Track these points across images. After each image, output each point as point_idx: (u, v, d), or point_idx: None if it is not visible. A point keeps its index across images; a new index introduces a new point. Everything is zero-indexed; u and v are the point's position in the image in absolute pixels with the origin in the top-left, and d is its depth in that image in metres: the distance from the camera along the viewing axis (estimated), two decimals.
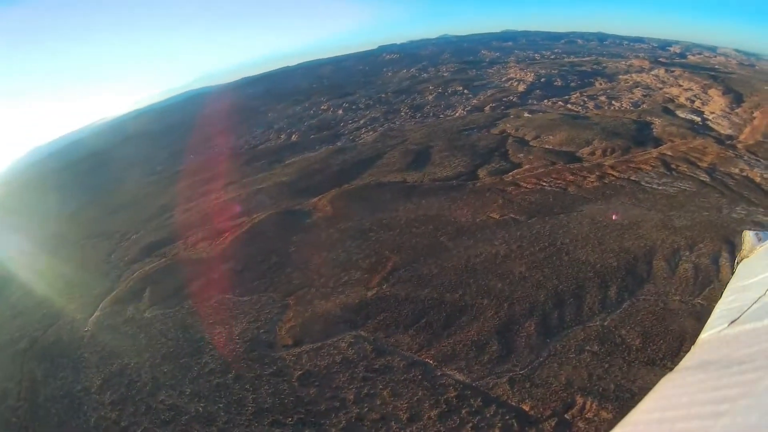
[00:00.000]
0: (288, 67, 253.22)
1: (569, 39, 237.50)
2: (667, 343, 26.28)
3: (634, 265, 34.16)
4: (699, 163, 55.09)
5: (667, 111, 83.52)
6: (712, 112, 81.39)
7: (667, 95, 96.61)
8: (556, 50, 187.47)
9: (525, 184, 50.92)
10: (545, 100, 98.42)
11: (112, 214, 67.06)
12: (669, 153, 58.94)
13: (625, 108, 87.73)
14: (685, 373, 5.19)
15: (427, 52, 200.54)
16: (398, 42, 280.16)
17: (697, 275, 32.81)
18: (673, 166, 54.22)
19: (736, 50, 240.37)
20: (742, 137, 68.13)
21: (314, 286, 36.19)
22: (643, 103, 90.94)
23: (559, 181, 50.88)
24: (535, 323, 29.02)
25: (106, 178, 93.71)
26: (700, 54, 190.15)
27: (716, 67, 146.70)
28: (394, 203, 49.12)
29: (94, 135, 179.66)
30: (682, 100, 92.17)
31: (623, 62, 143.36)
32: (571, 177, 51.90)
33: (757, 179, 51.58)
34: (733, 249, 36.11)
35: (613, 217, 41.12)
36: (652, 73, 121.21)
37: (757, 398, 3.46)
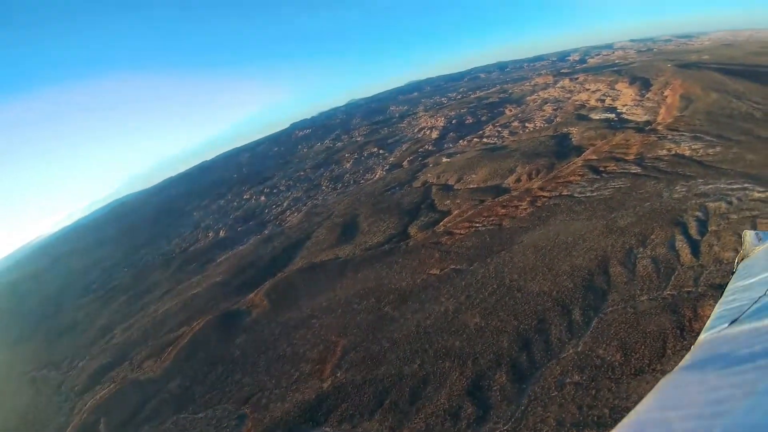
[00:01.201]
0: (205, 161, 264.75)
1: (471, 75, 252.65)
2: (649, 348, 26.23)
3: (590, 279, 34.53)
4: (626, 158, 58.57)
5: (582, 117, 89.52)
6: (625, 105, 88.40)
7: (577, 102, 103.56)
8: (461, 89, 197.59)
9: (458, 231, 51.97)
10: (460, 141, 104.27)
11: (56, 341, 67.23)
12: (593, 157, 62.43)
13: (540, 127, 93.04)
14: (685, 373, 5.46)
15: (338, 121, 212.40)
16: (309, 116, 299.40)
17: (658, 268, 33.60)
18: (601, 168, 57.03)
19: (632, 40, 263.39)
20: (660, 119, 73.72)
21: (267, 389, 35.47)
22: (556, 116, 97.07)
23: (492, 218, 52.20)
24: (506, 372, 28.39)
25: (44, 302, 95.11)
26: (598, 55, 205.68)
27: (617, 62, 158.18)
28: (331, 283, 49.76)
29: (26, 258, 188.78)
30: (593, 102, 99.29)
31: (528, 83, 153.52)
32: (502, 210, 53.39)
33: (687, 152, 55.40)
34: (685, 229, 38.02)
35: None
36: (558, 85, 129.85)
37: (757, 398, 3.69)
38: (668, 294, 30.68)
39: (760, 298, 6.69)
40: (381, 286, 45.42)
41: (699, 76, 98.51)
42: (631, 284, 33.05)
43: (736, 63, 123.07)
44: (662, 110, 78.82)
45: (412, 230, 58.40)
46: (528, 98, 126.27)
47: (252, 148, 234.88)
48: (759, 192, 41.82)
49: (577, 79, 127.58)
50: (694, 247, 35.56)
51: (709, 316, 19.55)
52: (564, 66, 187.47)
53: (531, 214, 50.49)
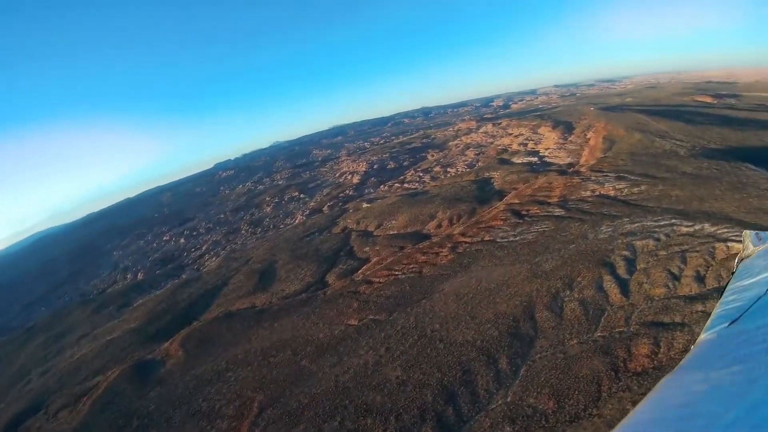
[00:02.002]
0: (129, 198, 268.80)
1: (396, 120, 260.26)
2: (583, 392, 25.93)
3: (516, 326, 34.16)
4: (549, 200, 59.91)
5: (504, 161, 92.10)
6: (548, 148, 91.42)
7: (499, 147, 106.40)
8: (385, 134, 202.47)
9: (377, 279, 51.63)
10: (381, 186, 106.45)
11: None
12: (516, 201, 63.52)
13: (462, 171, 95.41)
14: (685, 373, 5.70)
15: (261, 163, 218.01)
16: (233, 157, 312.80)
17: (587, 310, 33.75)
18: (523, 212, 58.00)
19: (556, 86, 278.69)
20: (583, 161, 76.48)
21: None
22: (478, 161, 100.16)
23: (412, 266, 51.98)
24: (432, 427, 27.48)
25: None
26: (522, 100, 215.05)
27: (540, 106, 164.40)
28: (247, 333, 48.77)
29: None
30: (515, 146, 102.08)
31: (451, 128, 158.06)
32: (423, 258, 53.32)
33: (612, 192, 57.30)
34: (613, 269, 38.62)
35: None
36: (481, 130, 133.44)
37: (757, 398, 3.82)
38: (599, 336, 30.81)
39: (760, 298, 6.98)
40: (298, 337, 44.59)
41: (622, 117, 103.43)
42: (560, 329, 32.95)
43: (659, 104, 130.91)
44: (585, 152, 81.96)
45: (331, 278, 58.01)
46: (451, 143, 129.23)
47: (175, 187, 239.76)
48: (686, 227, 43.43)
49: (500, 124, 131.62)
50: (624, 287, 36.06)
51: (642, 355, 26.12)
52: (487, 111, 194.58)
53: (452, 260, 50.38)
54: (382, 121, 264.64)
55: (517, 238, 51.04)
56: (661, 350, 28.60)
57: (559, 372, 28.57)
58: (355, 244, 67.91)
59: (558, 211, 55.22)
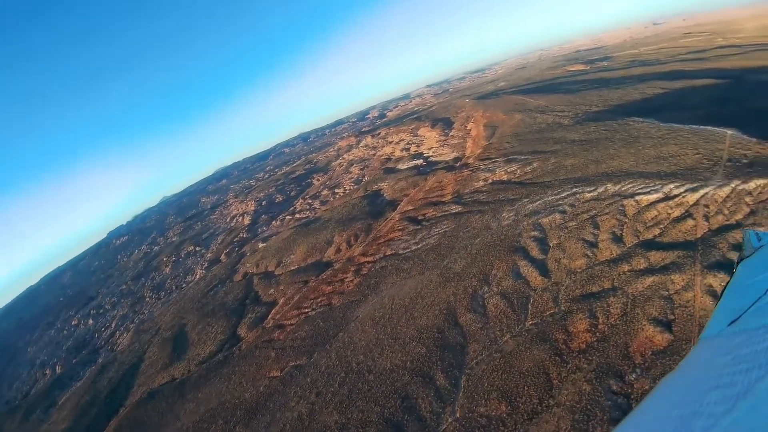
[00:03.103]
0: (31, 286, 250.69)
1: (276, 152, 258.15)
2: (533, 386, 25.44)
3: (443, 337, 33.12)
4: (443, 199, 59.81)
5: (390, 171, 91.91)
6: (431, 148, 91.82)
7: (383, 157, 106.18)
8: (268, 168, 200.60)
9: (289, 322, 49.88)
10: (273, 221, 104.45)
11: None
12: (410, 207, 63.22)
13: (350, 190, 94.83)
14: (685, 373, 5.66)
15: (152, 222, 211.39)
16: (125, 221, 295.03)
17: (510, 302, 33.02)
18: (420, 217, 57.72)
19: (428, 86, 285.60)
20: (468, 152, 76.85)
21: None
22: (364, 176, 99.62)
23: (320, 299, 50.45)
24: None
25: None
26: (396, 106, 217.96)
27: (416, 109, 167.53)
28: (174, 410, 46.37)
29: None
30: (398, 153, 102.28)
31: (332, 149, 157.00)
32: (329, 288, 51.80)
33: (505, 177, 57.51)
34: (526, 253, 38.17)
35: None
36: (362, 144, 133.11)
37: (758, 398, 3.85)
38: (531, 324, 30.14)
39: (760, 298, 6.74)
40: (225, 403, 42.43)
41: (499, 102, 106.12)
42: (488, 328, 31.95)
43: (533, 81, 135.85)
44: (469, 143, 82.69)
45: (242, 330, 55.93)
46: (334, 164, 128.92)
47: (74, 265, 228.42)
48: (589, 192, 43.90)
49: (379, 134, 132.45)
50: (542, 268, 35.66)
51: (582, 331, 27.40)
52: (365, 124, 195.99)
53: (359, 284, 49.04)
54: (263, 156, 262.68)
55: (420, 246, 50.15)
56: (600, 320, 28.56)
57: (501, 372, 27.71)
58: (259, 289, 65.85)
59: (455, 208, 54.81)
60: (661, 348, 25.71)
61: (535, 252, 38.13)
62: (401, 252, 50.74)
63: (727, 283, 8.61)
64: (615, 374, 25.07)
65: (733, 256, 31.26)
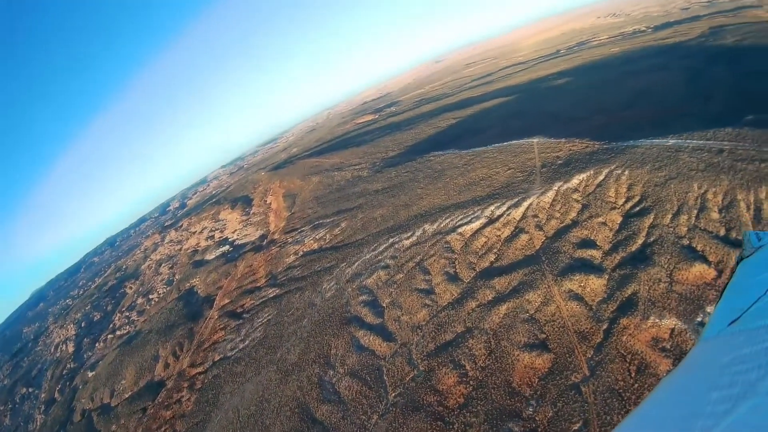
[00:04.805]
0: None
1: (86, 263, 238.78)
2: None
3: None
4: (258, 284, 55.51)
5: (199, 263, 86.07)
6: (235, 231, 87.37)
7: (189, 250, 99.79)
8: (81, 282, 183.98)
9: None
10: (97, 344, 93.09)
11: None
12: (226, 301, 58.16)
13: (163, 293, 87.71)
14: (685, 374, 5.19)
15: None
16: None
17: (363, 379, 30.04)
18: (239, 310, 53.06)
19: (222, 167, 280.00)
20: (273, 227, 73.38)
21: None
22: (175, 274, 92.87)
23: (163, 428, 44.21)
24: None
25: None
26: (195, 193, 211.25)
27: (214, 192, 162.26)
28: None
29: None
30: (203, 243, 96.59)
31: (139, 251, 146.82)
32: (168, 413, 45.66)
33: (315, 246, 54.93)
34: (361, 321, 34.94)
35: None
36: (167, 241, 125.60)
37: (758, 399, 3.58)
38: (395, 397, 27.51)
39: (760, 298, 5.78)
40: None
41: (294, 169, 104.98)
42: (350, 415, 28.54)
43: (324, 141, 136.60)
44: (272, 218, 79.62)
45: None
46: (143, 267, 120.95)
47: None
48: (407, 239, 42.12)
49: (181, 226, 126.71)
50: (383, 332, 32.99)
51: (453, 385, 25.09)
52: (167, 218, 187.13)
53: (197, 402, 43.71)
54: (74, 270, 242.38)
55: (247, 342, 45.57)
56: (468, 368, 26.44)
57: None
58: (100, 427, 57.09)
59: (272, 292, 51.04)
60: (546, 370, 24.16)
61: (370, 318, 35.19)
62: (230, 354, 45.79)
63: (727, 283, 7.24)
64: (510, 415, 23.23)
65: (581, 253, 31.51)
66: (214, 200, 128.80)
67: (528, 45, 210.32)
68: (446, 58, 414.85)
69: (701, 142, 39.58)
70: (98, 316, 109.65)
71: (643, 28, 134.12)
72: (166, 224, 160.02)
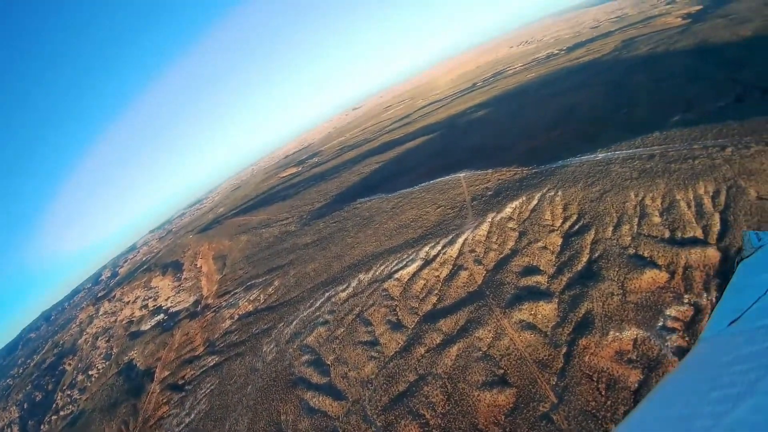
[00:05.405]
0: None
1: (24, 339, 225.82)
2: None
3: None
4: (197, 353, 52.62)
5: (135, 335, 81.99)
6: (168, 298, 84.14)
7: (125, 321, 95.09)
8: (19, 360, 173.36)
9: None
10: (42, 426, 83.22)
11: None
12: (167, 373, 54.75)
13: (103, 368, 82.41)
14: (685, 373, 5.74)
15: None
16: None
17: None
18: (180, 382, 49.83)
19: (150, 231, 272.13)
20: (206, 292, 71.00)
21: None
22: (112, 347, 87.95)
23: None
24: None
25: None
26: (126, 261, 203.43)
27: (145, 259, 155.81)
28: None
29: None
30: (138, 313, 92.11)
31: (74, 324, 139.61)
32: None
33: (250, 308, 52.91)
34: (307, 382, 33.04)
35: None
36: (101, 312, 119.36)
37: (758, 398, 3.90)
38: None
39: (760, 297, 6.60)
40: None
41: (222, 229, 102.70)
42: None
43: (250, 198, 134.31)
44: (204, 282, 76.96)
45: None
46: (80, 341, 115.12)
47: None
48: (343, 291, 40.75)
49: (114, 297, 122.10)
50: (332, 392, 31.24)
51: None
52: (100, 288, 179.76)
53: None
54: (12, 347, 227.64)
55: (193, 416, 42.21)
56: (428, 416, 25.08)
57: None
58: None
59: (212, 360, 48.11)
60: (512, 405, 23.06)
61: (316, 377, 33.20)
62: (176, 430, 42.26)
63: (727, 283, 8.17)
64: None
65: (526, 281, 30.69)
66: (145, 267, 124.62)
67: (444, 82, 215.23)
68: (364, 104, 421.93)
69: (631, 150, 39.79)
70: (40, 396, 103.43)
71: (557, 51, 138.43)
72: (99, 295, 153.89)
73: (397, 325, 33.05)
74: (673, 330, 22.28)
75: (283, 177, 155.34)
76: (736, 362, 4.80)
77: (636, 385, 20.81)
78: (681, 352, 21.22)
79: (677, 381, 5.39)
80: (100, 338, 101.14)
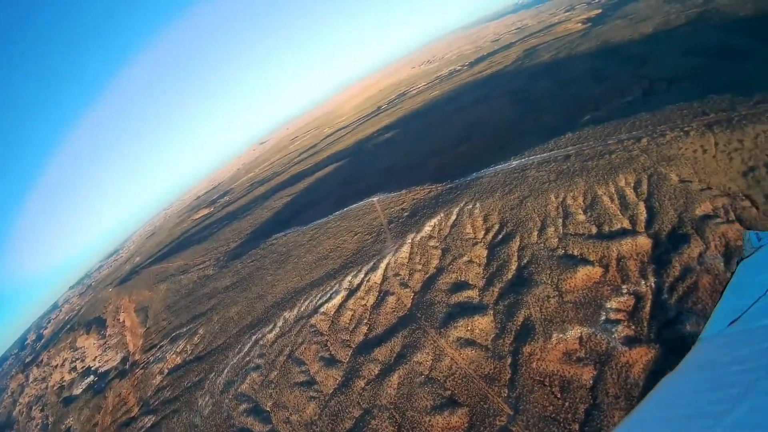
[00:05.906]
0: None
1: None
2: None
3: None
4: (132, 414, 49.25)
5: (69, 400, 75.80)
6: (96, 357, 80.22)
7: (55, 387, 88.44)
8: None
9: None
10: None
11: None
12: None
13: None
14: (685, 373, 5.80)
15: None
16: None
17: None
18: None
19: (70, 287, 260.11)
20: (132, 347, 68.23)
21: None
22: (48, 417, 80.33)
23: None
24: None
25: None
26: (49, 321, 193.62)
27: (67, 318, 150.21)
28: None
29: None
30: (67, 377, 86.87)
31: (6, 396, 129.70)
32: None
33: (179, 360, 50.91)
34: (248, 430, 32.27)
35: None
36: (31, 380, 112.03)
37: (758, 398, 3.96)
38: None
39: (760, 298, 6.68)
40: None
41: (141, 280, 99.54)
42: None
43: (165, 244, 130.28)
44: (129, 338, 73.93)
45: None
46: (14, 413, 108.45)
47: None
48: (270, 333, 40.51)
49: (42, 361, 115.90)
50: None
51: None
52: (27, 353, 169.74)
53: None
54: None
55: None
56: None
57: None
58: None
59: (148, 420, 45.28)
60: (467, 424, 22.83)
61: (258, 426, 32.13)
62: None
63: (727, 283, 8.34)
64: None
65: (457, 298, 30.56)
66: (68, 326, 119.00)
67: (349, 108, 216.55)
68: (271, 137, 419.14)
69: (545, 154, 40.54)
70: None
71: (459, 67, 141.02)
72: (27, 360, 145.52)
73: (331, 361, 32.47)
74: (617, 321, 22.74)
75: (196, 219, 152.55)
76: (735, 362, 4.97)
77: (591, 381, 20.95)
78: (630, 341, 21.59)
79: (677, 381, 5.48)
80: (33, 408, 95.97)
